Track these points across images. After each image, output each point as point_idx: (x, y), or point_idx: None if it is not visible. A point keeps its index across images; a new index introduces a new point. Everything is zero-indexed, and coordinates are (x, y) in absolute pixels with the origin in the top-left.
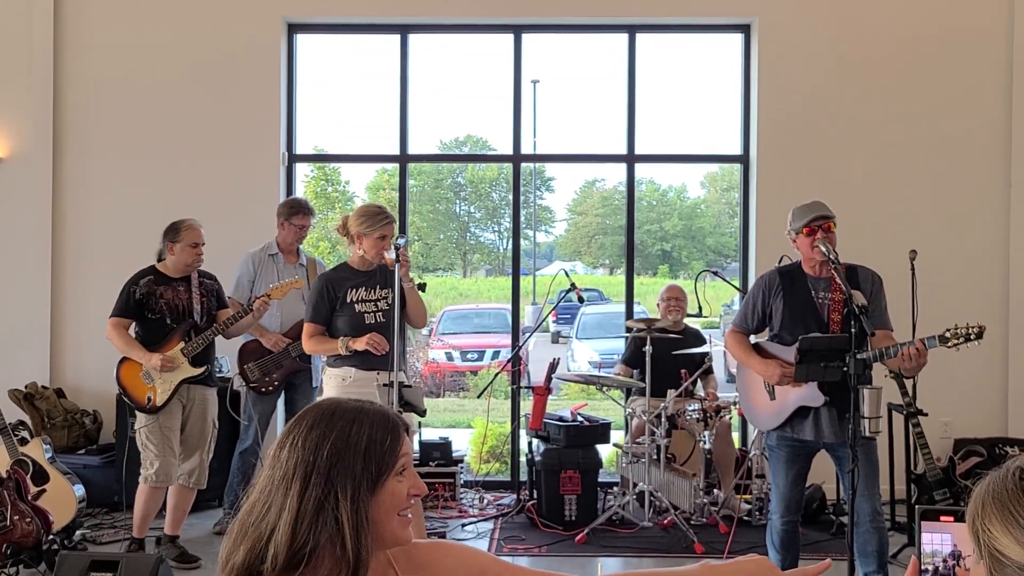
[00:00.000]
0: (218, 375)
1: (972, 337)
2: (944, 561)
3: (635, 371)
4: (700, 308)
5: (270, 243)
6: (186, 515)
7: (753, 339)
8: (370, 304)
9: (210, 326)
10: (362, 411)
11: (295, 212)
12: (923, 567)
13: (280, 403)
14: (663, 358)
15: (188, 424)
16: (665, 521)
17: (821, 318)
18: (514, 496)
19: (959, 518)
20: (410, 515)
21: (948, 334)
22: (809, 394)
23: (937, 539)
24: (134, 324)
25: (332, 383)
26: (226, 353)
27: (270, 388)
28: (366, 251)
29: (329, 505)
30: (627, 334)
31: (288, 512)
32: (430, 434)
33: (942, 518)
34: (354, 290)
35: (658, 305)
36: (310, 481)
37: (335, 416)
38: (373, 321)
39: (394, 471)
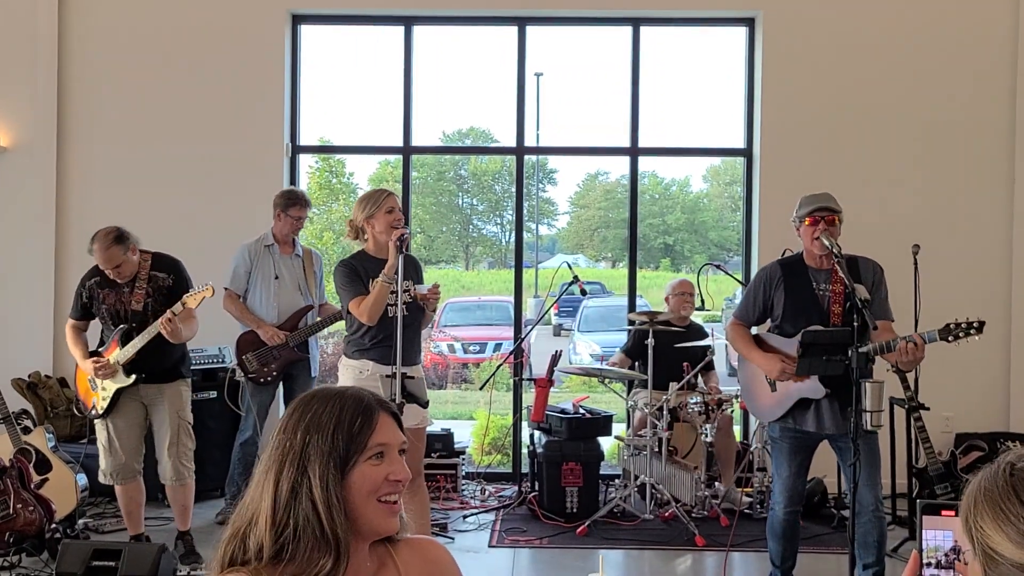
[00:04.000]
0: (218, 366)
1: (972, 332)
2: (945, 555)
3: (635, 363)
4: (703, 302)
5: (266, 234)
6: (188, 509)
7: (754, 331)
8: (391, 296)
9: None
10: (339, 395)
11: (292, 203)
12: (926, 560)
13: (280, 394)
14: (665, 351)
15: (153, 423)
16: (666, 514)
17: (822, 310)
18: (516, 488)
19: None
20: (395, 504)
21: (949, 326)
22: (810, 386)
23: (940, 536)
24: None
25: (348, 374)
26: (227, 343)
27: (268, 379)
28: (380, 231)
29: (303, 488)
30: (630, 327)
31: (267, 496)
32: (432, 426)
33: (943, 512)
34: (373, 280)
35: (666, 299)
36: (285, 465)
37: (312, 401)
38: (395, 315)
39: (366, 453)
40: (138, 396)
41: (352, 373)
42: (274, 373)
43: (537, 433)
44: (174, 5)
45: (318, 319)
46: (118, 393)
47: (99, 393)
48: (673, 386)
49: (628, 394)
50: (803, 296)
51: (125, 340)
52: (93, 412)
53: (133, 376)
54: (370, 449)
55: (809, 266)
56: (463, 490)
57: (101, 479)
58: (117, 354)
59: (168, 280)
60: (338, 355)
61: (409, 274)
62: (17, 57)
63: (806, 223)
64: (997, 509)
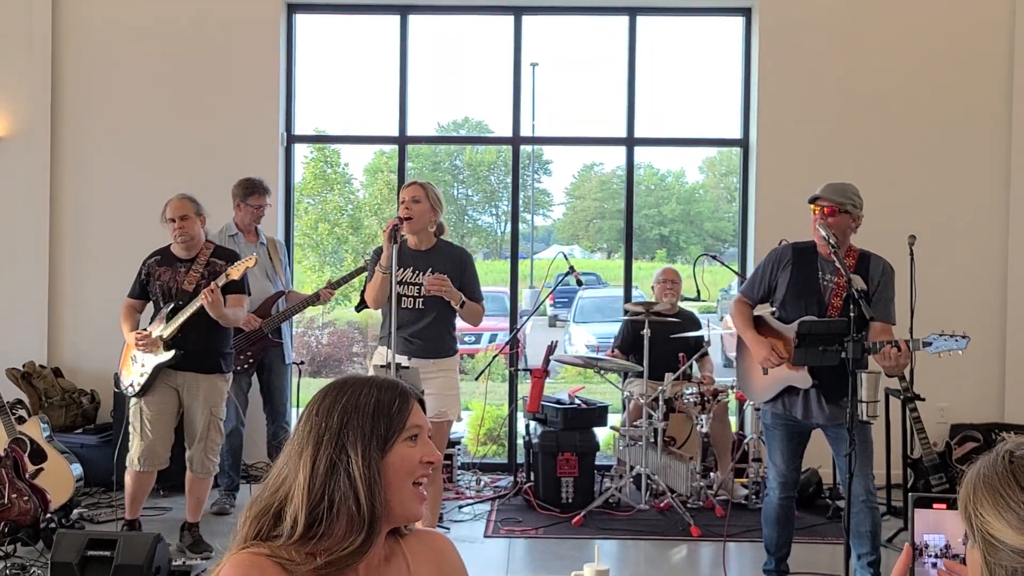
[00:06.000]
0: None
1: (954, 347)
2: (940, 550)
3: (629, 356)
4: (699, 292)
5: (228, 224)
6: (202, 503)
7: (760, 313)
8: (412, 288)
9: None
10: (372, 379)
11: (251, 193)
12: (928, 555)
13: (255, 382)
14: (660, 342)
15: (186, 412)
16: (662, 504)
17: (822, 299)
18: (511, 478)
19: (951, 505)
20: (424, 490)
21: (932, 339)
22: (798, 375)
23: (934, 539)
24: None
25: (376, 360)
26: None
27: (244, 366)
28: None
29: (341, 464)
30: (624, 317)
31: (302, 474)
32: (460, 421)
33: (935, 505)
34: (401, 269)
35: (652, 288)
36: (322, 443)
37: (346, 384)
38: (410, 306)
39: (404, 433)
40: (175, 382)
41: (378, 359)
42: (250, 361)
43: (533, 423)
44: None
45: (290, 306)
46: (156, 371)
47: (137, 370)
48: (668, 376)
49: (623, 384)
50: (806, 282)
51: (171, 318)
52: (130, 389)
53: (172, 352)
54: (408, 429)
55: (819, 254)
56: (459, 480)
57: (128, 464)
58: (159, 329)
59: (225, 267)
60: (332, 345)
61: (439, 267)
62: (12, 45)
63: (813, 210)
64: (997, 496)
